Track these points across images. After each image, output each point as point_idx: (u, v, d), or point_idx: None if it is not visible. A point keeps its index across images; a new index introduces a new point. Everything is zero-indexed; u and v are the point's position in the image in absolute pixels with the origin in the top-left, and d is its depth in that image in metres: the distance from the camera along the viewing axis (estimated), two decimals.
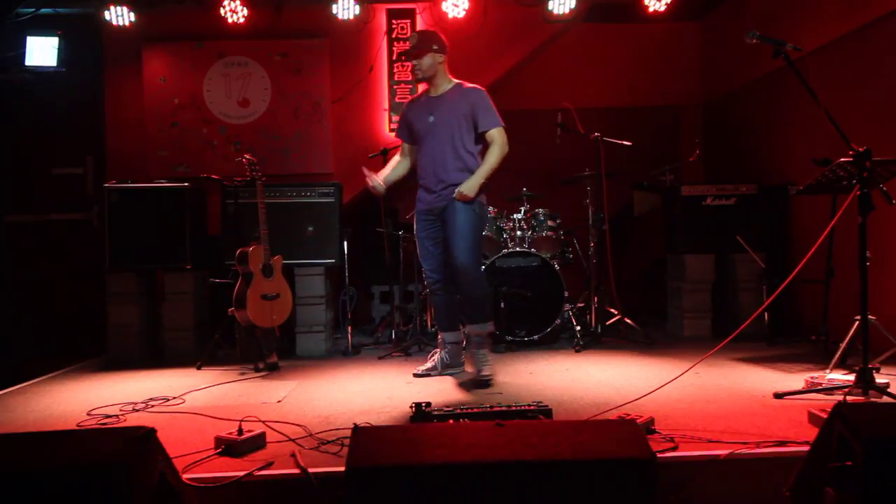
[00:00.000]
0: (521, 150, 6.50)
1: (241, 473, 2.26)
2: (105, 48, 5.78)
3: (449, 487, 1.87)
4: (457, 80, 3.93)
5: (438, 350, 4.02)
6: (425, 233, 3.93)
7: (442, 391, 3.58)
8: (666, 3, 5.52)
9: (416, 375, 3.92)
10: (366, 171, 3.86)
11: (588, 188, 5.12)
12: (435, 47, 3.81)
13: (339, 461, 2.31)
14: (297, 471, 2.28)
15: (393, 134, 5.51)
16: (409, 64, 3.94)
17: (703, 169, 6.54)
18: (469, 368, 4.02)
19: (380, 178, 3.94)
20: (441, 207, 3.82)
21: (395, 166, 4.08)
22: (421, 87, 4.06)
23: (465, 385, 3.70)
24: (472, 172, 3.78)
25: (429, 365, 3.99)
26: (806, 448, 2.21)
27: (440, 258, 3.90)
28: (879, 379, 3.03)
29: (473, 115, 3.81)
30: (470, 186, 3.72)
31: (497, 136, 3.82)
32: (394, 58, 5.86)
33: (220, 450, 2.49)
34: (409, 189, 4.26)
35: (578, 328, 4.88)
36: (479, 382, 3.67)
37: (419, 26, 5.78)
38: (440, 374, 3.94)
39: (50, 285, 5.79)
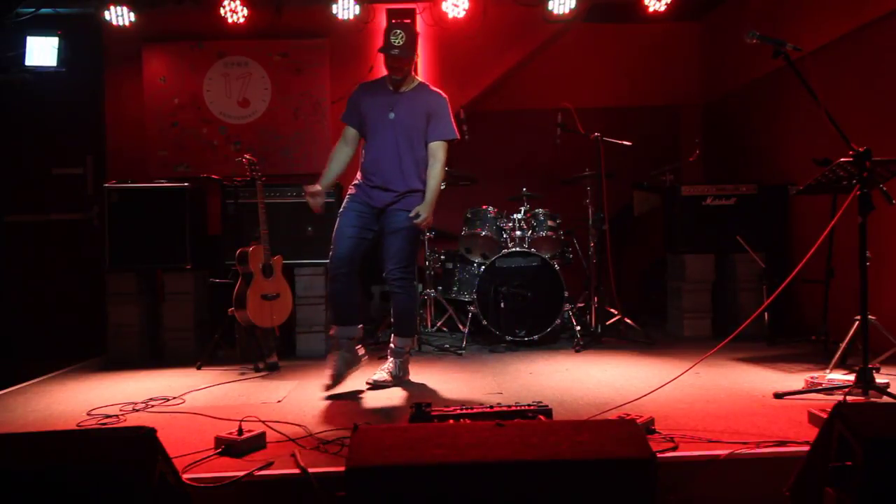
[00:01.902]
0: (521, 150, 6.59)
1: (241, 473, 2.26)
2: (105, 48, 5.78)
3: (449, 487, 1.87)
4: (420, 79, 3.81)
5: (336, 355, 3.62)
6: (355, 221, 3.67)
7: (442, 391, 3.59)
8: (666, 3, 5.52)
9: (327, 388, 3.54)
10: (307, 188, 3.70)
11: (588, 188, 5.12)
12: (416, 52, 3.69)
13: (339, 461, 2.31)
14: (297, 471, 2.28)
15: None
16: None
17: (703, 169, 6.53)
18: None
19: (321, 190, 3.69)
20: (388, 211, 3.68)
21: (336, 161, 3.80)
22: (383, 71, 3.80)
23: (404, 384, 3.71)
24: (422, 181, 3.69)
25: (331, 373, 3.56)
26: (806, 448, 2.21)
27: (355, 251, 3.65)
28: (879, 379, 3.04)
29: (428, 121, 3.69)
30: (428, 211, 3.62)
31: (441, 153, 3.70)
32: None
33: (220, 450, 2.49)
34: None
35: (578, 328, 4.88)
36: (376, 384, 3.64)
37: (419, 26, 5.77)
38: (343, 379, 3.59)
39: (50, 285, 5.78)
